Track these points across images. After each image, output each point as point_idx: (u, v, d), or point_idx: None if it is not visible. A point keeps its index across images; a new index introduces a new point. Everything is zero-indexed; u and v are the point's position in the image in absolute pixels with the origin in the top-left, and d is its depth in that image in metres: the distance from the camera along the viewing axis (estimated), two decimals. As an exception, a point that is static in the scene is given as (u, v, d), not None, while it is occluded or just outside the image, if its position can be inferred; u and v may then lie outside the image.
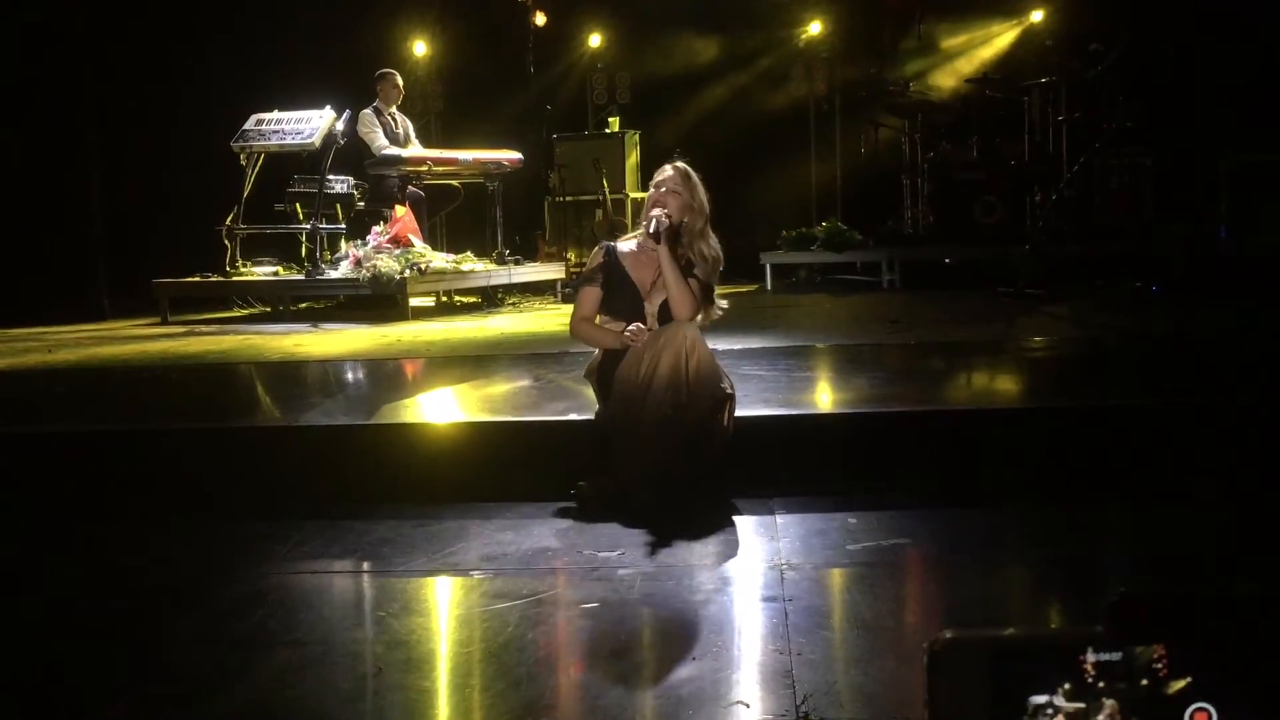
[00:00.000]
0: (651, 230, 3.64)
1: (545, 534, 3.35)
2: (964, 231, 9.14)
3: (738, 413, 3.59)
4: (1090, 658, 0.84)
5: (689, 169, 3.80)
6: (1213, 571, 2.84)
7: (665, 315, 3.71)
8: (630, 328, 3.62)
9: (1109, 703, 0.84)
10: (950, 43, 10.86)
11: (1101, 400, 4.11)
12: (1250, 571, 2.84)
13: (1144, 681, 0.84)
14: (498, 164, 8.93)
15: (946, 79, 10.61)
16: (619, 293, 3.79)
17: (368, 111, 8.68)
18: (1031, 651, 0.86)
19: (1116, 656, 0.84)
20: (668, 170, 3.79)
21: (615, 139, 10.67)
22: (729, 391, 3.53)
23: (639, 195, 9.68)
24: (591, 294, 3.80)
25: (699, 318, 3.71)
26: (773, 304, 8.20)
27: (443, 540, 3.33)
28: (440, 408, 4.63)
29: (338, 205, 8.78)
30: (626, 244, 3.89)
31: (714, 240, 3.79)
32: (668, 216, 3.65)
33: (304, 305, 8.68)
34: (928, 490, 3.59)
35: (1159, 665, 0.84)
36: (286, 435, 4.03)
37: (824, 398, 4.53)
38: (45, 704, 2.38)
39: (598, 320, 3.82)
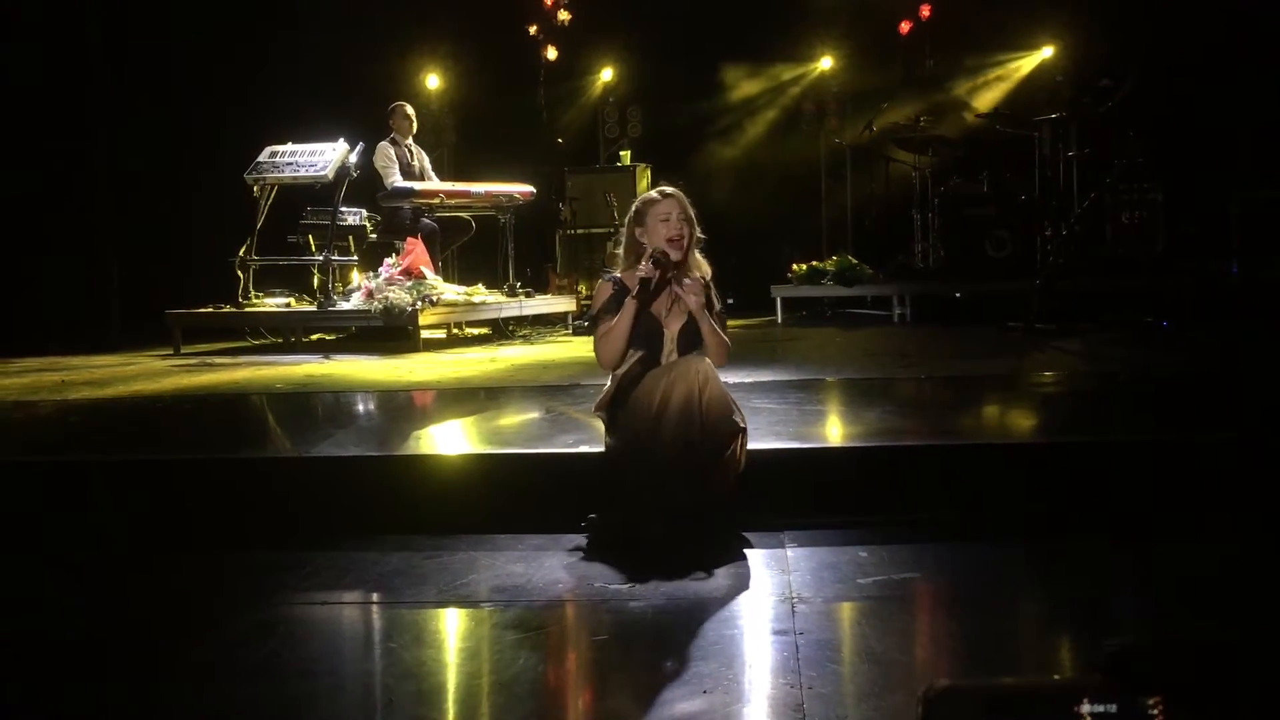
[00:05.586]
0: (694, 304, 3.59)
1: (555, 566, 3.34)
2: (975, 266, 9.18)
3: (749, 445, 3.58)
4: (1086, 709, 0.83)
5: (680, 192, 3.74)
6: (1225, 612, 2.83)
7: (684, 341, 3.68)
8: (643, 266, 3.58)
9: None
10: (961, 78, 10.93)
11: (1113, 435, 4.10)
12: (1261, 611, 2.83)
13: None
14: (510, 196, 8.99)
15: (957, 114, 10.67)
16: (636, 324, 3.71)
17: (384, 144, 8.76)
18: (1027, 701, 0.85)
19: (1113, 708, 0.83)
20: (657, 198, 3.70)
21: (627, 172, 10.75)
22: (741, 425, 3.50)
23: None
24: (608, 325, 3.71)
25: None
26: (783, 337, 8.21)
27: (453, 572, 3.32)
28: (451, 439, 4.64)
29: (350, 237, 8.85)
30: (631, 275, 3.72)
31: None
32: (702, 280, 3.65)
33: (316, 336, 8.72)
34: (938, 524, 3.58)
35: (1154, 714, 0.83)
36: (298, 466, 4.03)
37: (834, 431, 4.52)
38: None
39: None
